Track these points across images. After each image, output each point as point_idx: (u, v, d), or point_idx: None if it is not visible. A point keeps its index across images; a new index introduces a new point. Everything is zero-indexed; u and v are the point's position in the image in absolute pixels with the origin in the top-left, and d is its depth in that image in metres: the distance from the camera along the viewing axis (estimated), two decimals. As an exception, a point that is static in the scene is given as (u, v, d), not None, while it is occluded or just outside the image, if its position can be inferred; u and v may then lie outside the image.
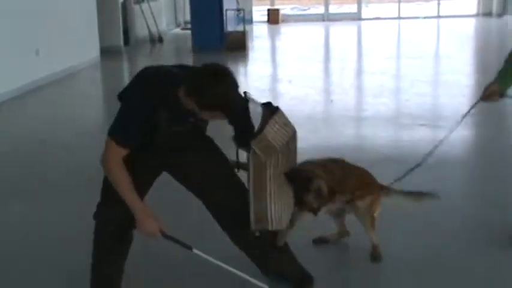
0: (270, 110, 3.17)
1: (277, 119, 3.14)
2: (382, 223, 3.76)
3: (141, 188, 3.07)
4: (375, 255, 3.72)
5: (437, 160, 5.67)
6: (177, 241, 3.09)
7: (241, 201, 3.10)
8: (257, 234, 3.15)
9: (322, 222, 3.73)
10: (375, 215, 3.71)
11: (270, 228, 3.12)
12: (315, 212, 3.35)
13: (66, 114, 8.23)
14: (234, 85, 2.87)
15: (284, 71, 11.51)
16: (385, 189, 3.79)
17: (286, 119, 3.22)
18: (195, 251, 3.13)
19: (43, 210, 4.80)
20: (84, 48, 12.05)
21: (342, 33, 17.68)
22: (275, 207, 3.09)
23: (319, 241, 3.92)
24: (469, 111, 4.09)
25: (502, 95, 3.77)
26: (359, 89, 9.90)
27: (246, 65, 12.54)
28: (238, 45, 13.48)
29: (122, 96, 3.05)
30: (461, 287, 3.49)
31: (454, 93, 8.75)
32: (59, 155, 6.31)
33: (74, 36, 11.35)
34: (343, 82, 10.18)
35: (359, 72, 11.42)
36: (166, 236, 3.03)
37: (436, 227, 4.17)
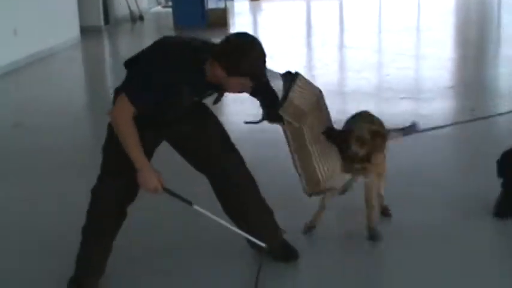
0: (291, 76, 3.20)
1: (299, 83, 3.17)
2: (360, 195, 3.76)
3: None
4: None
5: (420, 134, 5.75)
6: (177, 196, 3.10)
7: (235, 163, 3.25)
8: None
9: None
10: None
11: (323, 188, 3.22)
12: (367, 159, 3.40)
13: (45, 95, 8.13)
14: (264, 54, 2.92)
15: (266, 47, 11.46)
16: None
17: (307, 81, 3.26)
18: (195, 207, 3.15)
19: (18, 192, 4.76)
20: (63, 28, 11.90)
21: (324, 9, 17.62)
22: (324, 168, 3.18)
23: (309, 229, 3.80)
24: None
25: None
26: (341, 64, 9.91)
27: (227, 42, 12.47)
28: (220, 23, 13.39)
29: (136, 61, 3.03)
30: (448, 255, 3.53)
31: (435, 67, 8.79)
32: (34, 137, 6.21)
33: (52, 15, 11.20)
34: (325, 57, 10.17)
35: (340, 47, 11.41)
36: (167, 191, 3.05)
37: (422, 199, 4.21)
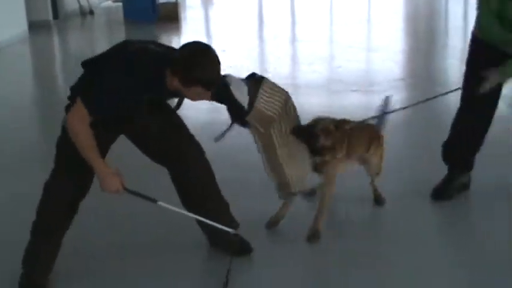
0: (255, 80, 3.23)
1: (265, 87, 3.20)
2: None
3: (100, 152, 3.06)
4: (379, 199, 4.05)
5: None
6: (140, 195, 3.10)
7: (194, 155, 3.29)
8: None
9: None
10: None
11: (293, 191, 3.30)
12: (333, 152, 3.49)
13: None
14: (216, 61, 2.93)
15: (218, 41, 11.44)
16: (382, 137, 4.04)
17: (274, 85, 3.28)
18: (160, 203, 3.15)
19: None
20: (9, 22, 11.61)
21: (275, 2, 17.64)
22: (292, 171, 3.27)
23: (272, 224, 3.83)
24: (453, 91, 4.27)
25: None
26: (292, 57, 9.95)
27: (179, 36, 12.38)
28: (171, 16, 13.28)
29: (95, 63, 3.02)
30: (394, 241, 3.60)
31: (385, 59, 8.89)
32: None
33: (-2, 10, 10.96)
34: (277, 51, 10.19)
35: (292, 40, 11.45)
36: (129, 191, 3.04)
37: (365, 190, 4.24)
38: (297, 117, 3.47)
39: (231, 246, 3.40)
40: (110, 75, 2.93)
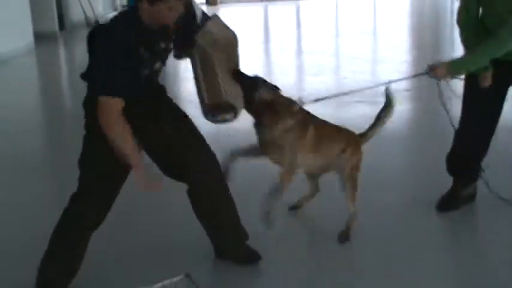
0: (207, 16, 3.26)
1: (216, 19, 3.22)
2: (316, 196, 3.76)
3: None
4: (347, 235, 3.70)
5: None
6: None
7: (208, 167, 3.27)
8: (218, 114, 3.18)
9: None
10: (358, 176, 3.74)
11: (224, 98, 3.11)
12: (270, 110, 3.35)
13: (-1, 103, 8.00)
14: None
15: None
16: (363, 138, 3.87)
17: (225, 23, 3.29)
18: None
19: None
20: (16, 34, 11.68)
21: (281, 13, 17.71)
22: (228, 88, 3.15)
23: (294, 208, 3.97)
24: (413, 77, 4.48)
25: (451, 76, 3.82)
26: (298, 68, 9.96)
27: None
28: (177, 28, 13.33)
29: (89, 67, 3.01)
30: (396, 253, 3.58)
31: (391, 70, 8.88)
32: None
33: (4, 21, 10.99)
34: (283, 62, 10.21)
35: (298, 52, 11.47)
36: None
37: (371, 202, 4.23)
38: (238, 63, 3.38)
39: (239, 257, 3.43)
40: (101, 57, 2.88)
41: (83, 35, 14.06)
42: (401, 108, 6.84)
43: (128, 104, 2.89)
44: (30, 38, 12.30)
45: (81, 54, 12.54)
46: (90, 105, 2.95)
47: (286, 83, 8.47)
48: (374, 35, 13.24)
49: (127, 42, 2.85)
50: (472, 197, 4.16)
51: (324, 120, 3.72)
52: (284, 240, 3.76)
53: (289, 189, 3.54)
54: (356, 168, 3.74)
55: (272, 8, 18.82)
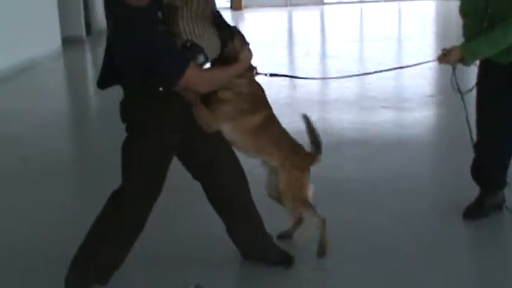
0: None
1: None
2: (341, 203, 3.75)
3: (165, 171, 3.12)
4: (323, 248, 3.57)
5: (399, 141, 5.81)
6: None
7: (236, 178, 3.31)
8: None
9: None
10: (309, 192, 3.51)
11: (184, 37, 2.94)
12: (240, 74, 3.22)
13: (27, 106, 8.06)
14: None
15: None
16: (314, 158, 3.55)
17: None
18: None
19: (2, 202, 4.72)
20: (44, 38, 11.85)
21: (305, 18, 17.72)
22: (198, 30, 3.00)
23: (283, 236, 3.78)
24: (423, 63, 4.34)
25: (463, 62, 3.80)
26: (322, 73, 9.95)
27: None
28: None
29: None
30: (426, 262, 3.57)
31: (415, 76, 8.84)
32: (14, 148, 6.18)
33: (33, 26, 11.15)
34: (307, 67, 10.22)
35: (322, 56, 11.47)
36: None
37: (396, 209, 4.24)
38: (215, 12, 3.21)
39: (269, 257, 3.45)
40: (142, 40, 2.82)
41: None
42: (425, 114, 6.85)
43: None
44: (58, 43, 12.46)
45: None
46: (136, 105, 2.98)
47: (310, 88, 8.49)
48: (398, 41, 13.19)
49: (150, 17, 2.83)
50: (499, 206, 4.10)
51: (279, 123, 3.48)
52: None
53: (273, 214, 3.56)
54: (295, 183, 3.45)
55: (296, 12, 18.83)
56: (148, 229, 3.19)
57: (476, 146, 4.00)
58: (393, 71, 9.57)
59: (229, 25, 3.23)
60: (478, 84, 3.93)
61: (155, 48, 2.83)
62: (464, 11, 3.89)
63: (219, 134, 3.22)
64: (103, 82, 3.16)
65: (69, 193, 4.99)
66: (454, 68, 3.91)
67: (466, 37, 3.86)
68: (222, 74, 3.10)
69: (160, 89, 2.94)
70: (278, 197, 3.54)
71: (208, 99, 3.16)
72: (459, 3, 3.92)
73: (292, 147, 3.48)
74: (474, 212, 4.05)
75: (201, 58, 2.97)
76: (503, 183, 4.07)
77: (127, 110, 3.05)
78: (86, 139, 6.84)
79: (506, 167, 4.03)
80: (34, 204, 4.64)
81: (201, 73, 2.98)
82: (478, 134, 3.98)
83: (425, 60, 4.19)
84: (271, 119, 3.40)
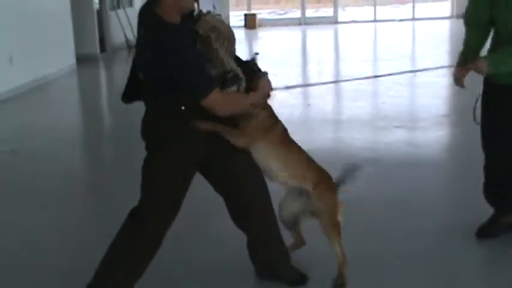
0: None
1: (212, 15, 3.23)
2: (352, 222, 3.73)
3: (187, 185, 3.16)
4: (340, 281, 3.41)
5: (412, 161, 5.76)
6: None
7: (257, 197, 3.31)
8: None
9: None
10: (339, 218, 3.39)
11: (228, 67, 3.10)
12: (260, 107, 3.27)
13: (41, 122, 8.15)
14: None
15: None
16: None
17: (221, 19, 3.31)
18: None
19: (15, 218, 4.73)
20: (59, 55, 11.96)
21: (319, 37, 17.75)
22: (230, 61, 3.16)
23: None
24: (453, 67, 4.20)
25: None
26: (336, 92, 9.94)
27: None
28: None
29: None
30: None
31: (429, 95, 8.83)
32: (31, 163, 6.23)
33: (49, 43, 11.27)
34: (321, 86, 10.21)
35: (336, 75, 11.46)
36: None
37: (408, 228, 4.19)
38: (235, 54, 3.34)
39: (285, 277, 3.44)
40: (179, 58, 2.90)
41: (122, 57, 14.39)
42: (439, 134, 6.81)
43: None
44: (72, 60, 12.56)
45: (120, 76, 12.77)
46: (158, 123, 3.04)
47: (324, 107, 8.49)
48: (412, 59, 13.16)
49: (185, 37, 2.94)
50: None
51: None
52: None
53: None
54: (332, 208, 3.38)
55: (310, 31, 18.88)
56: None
57: (486, 169, 3.97)
58: (406, 90, 9.62)
59: (245, 61, 3.32)
60: (482, 97, 3.90)
61: (187, 64, 2.91)
62: (468, 22, 3.92)
63: (243, 152, 3.25)
64: (127, 95, 3.21)
65: (84, 208, 5.00)
66: (477, 100, 3.91)
67: (466, 45, 3.95)
68: (243, 100, 3.13)
69: (183, 107, 2.99)
70: (293, 224, 3.54)
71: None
72: (464, 13, 3.94)
73: (320, 168, 3.43)
74: (486, 230, 4.01)
75: (237, 87, 3.11)
76: None
77: (148, 128, 3.11)
78: (100, 155, 6.86)
79: None
80: (49, 219, 4.64)
81: (224, 97, 3.02)
82: (484, 151, 3.95)
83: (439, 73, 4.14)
84: (289, 137, 3.40)
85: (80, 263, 3.64)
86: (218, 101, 2.97)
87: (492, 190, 4.01)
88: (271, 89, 3.26)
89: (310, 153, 3.55)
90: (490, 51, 3.85)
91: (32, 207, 4.96)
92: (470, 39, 3.93)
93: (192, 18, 3.11)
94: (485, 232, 4.02)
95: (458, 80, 4.00)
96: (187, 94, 2.96)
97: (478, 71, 3.76)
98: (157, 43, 2.90)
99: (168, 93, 2.98)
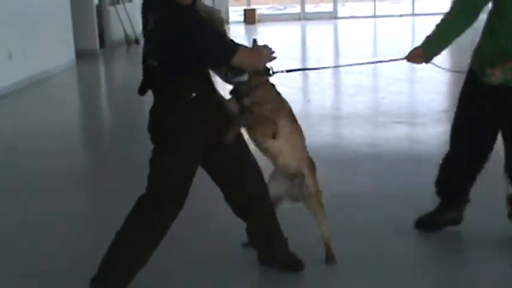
0: None
1: (201, 1, 3.29)
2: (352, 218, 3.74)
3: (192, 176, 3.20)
4: (330, 256, 3.61)
5: (412, 156, 5.76)
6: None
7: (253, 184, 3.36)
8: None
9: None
10: (323, 200, 3.56)
11: None
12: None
13: (40, 119, 8.12)
14: None
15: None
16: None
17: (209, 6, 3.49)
18: None
19: (14, 216, 4.72)
20: (59, 51, 11.92)
21: (319, 32, 17.73)
22: None
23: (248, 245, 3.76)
24: (386, 61, 4.42)
25: (427, 60, 3.81)
26: (336, 88, 9.93)
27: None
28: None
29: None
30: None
31: (429, 90, 8.81)
32: (29, 160, 6.18)
33: (48, 39, 11.23)
34: (320, 81, 10.19)
35: (335, 71, 11.44)
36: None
37: (410, 224, 4.15)
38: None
39: (282, 264, 3.50)
40: (199, 30, 3.00)
41: (122, 52, 14.38)
42: (439, 130, 6.78)
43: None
44: (72, 55, 12.53)
45: (120, 71, 12.77)
46: (166, 115, 3.10)
47: (323, 103, 8.47)
48: (413, 55, 13.13)
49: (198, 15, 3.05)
50: (455, 222, 3.99)
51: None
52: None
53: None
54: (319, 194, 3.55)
55: (310, 27, 18.85)
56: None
57: (445, 162, 3.94)
58: (406, 85, 9.60)
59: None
60: (461, 106, 3.86)
61: (210, 35, 3.04)
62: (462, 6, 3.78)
63: (243, 145, 3.35)
64: (142, 87, 3.22)
65: (83, 206, 4.98)
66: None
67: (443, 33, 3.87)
68: (261, 50, 3.33)
69: (193, 94, 3.07)
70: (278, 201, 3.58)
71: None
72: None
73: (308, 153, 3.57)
74: (425, 222, 4.00)
75: (243, 77, 3.28)
76: (463, 200, 3.96)
77: (156, 120, 3.16)
78: (100, 151, 6.83)
79: (469, 185, 3.92)
80: (50, 217, 4.61)
81: (248, 50, 3.23)
82: (450, 144, 3.91)
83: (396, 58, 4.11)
84: (297, 123, 3.54)
85: (79, 262, 3.63)
86: (246, 55, 3.16)
87: (444, 184, 3.98)
88: (273, 53, 3.36)
89: (309, 149, 3.56)
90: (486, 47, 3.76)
91: (32, 205, 4.93)
92: (453, 27, 3.83)
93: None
94: (423, 223, 4.00)
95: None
96: (217, 61, 3.16)
97: (416, 61, 3.83)
98: (176, 23, 2.98)
99: (187, 73, 3.08)
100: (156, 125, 3.16)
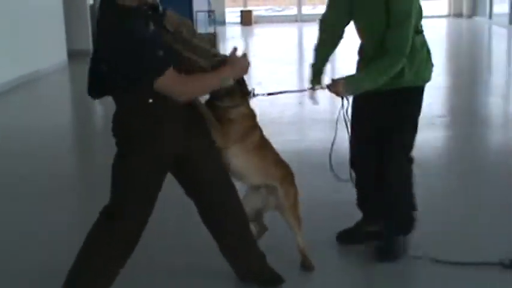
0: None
1: (170, 11, 3.13)
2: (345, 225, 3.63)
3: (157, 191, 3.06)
4: (307, 263, 3.61)
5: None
6: None
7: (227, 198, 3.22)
8: None
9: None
10: (299, 212, 3.55)
11: (213, 52, 3.13)
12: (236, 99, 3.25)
13: (31, 119, 8.07)
14: None
15: (255, 73, 11.40)
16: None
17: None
18: None
19: (3, 218, 4.64)
20: (50, 51, 11.84)
21: (315, 34, 17.64)
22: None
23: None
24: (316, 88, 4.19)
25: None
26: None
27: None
28: (209, 47, 13.36)
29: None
30: None
31: (425, 96, 8.66)
32: (20, 161, 6.13)
33: (39, 39, 11.14)
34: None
35: (332, 73, 11.33)
36: None
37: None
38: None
39: (260, 277, 3.38)
40: (133, 42, 2.76)
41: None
42: (434, 136, 6.69)
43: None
44: (64, 56, 12.44)
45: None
46: (127, 118, 2.92)
47: (321, 106, 8.31)
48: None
49: (138, 19, 2.80)
50: (376, 235, 3.92)
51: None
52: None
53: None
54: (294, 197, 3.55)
55: (307, 28, 18.76)
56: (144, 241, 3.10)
57: (356, 179, 3.93)
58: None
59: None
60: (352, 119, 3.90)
61: (137, 45, 2.75)
62: (325, 25, 3.93)
63: (215, 152, 3.19)
64: (95, 90, 3.09)
65: (72, 210, 4.91)
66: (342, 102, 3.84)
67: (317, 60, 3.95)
68: (209, 78, 2.99)
69: (150, 100, 2.86)
70: (255, 217, 3.57)
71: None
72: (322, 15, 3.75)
73: (285, 164, 3.53)
74: (346, 236, 3.96)
75: (230, 81, 3.07)
76: (377, 214, 3.91)
77: (119, 125, 2.98)
78: (90, 153, 6.78)
79: (378, 198, 3.85)
80: (35, 221, 4.53)
81: (182, 77, 2.87)
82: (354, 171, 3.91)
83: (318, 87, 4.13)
84: (264, 138, 3.44)
85: (61, 264, 3.51)
86: (175, 82, 2.82)
87: (361, 198, 3.97)
88: (248, 64, 3.09)
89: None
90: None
91: (17, 208, 4.86)
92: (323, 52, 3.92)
93: (157, 14, 3.00)
94: (344, 237, 3.96)
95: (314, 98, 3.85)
96: (140, 75, 2.79)
97: (337, 92, 3.69)
98: (109, 27, 2.81)
99: (132, 85, 2.84)
100: (121, 126, 2.95)
